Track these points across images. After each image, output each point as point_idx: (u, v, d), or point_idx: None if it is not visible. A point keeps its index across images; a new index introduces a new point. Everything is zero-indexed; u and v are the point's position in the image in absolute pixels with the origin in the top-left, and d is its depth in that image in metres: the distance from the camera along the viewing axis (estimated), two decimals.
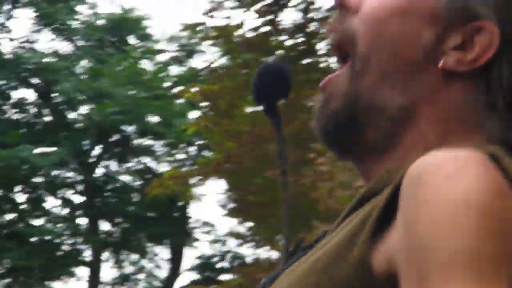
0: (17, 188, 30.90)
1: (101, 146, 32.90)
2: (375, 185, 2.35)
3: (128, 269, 34.15)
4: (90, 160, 32.04)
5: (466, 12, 2.43)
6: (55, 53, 31.30)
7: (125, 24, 33.39)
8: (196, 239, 34.13)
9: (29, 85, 31.57)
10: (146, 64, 32.66)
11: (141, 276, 34.19)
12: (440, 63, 2.41)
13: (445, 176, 2.10)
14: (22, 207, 32.00)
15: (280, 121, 2.57)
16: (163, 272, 33.59)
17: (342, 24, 2.54)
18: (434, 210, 2.07)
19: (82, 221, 32.01)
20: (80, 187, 31.64)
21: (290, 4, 22.23)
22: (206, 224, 33.58)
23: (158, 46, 33.12)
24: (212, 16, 20.91)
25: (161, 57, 32.64)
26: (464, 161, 2.13)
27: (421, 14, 2.49)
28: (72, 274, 32.31)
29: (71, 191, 31.99)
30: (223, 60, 25.07)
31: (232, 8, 22.08)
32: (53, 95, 30.04)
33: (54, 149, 30.02)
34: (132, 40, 33.89)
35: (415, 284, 2.03)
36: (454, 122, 2.46)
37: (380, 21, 2.51)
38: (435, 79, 2.45)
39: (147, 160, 33.12)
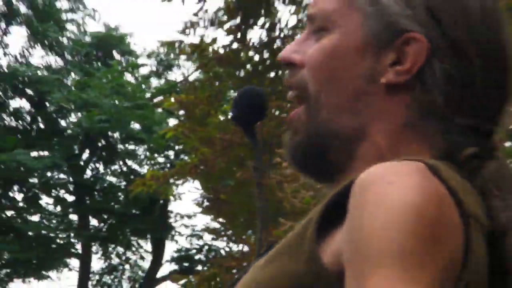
0: (15, 188, 31.18)
1: (89, 150, 33.27)
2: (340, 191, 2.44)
3: (115, 260, 34.42)
4: (80, 163, 32.33)
5: (391, 31, 2.58)
6: (47, 67, 31.72)
7: (110, 41, 33.76)
8: (177, 233, 34.75)
9: (24, 96, 31.76)
10: (128, 77, 33.12)
11: (127, 266, 34.57)
12: (381, 80, 2.58)
13: (386, 183, 2.27)
14: (19, 205, 32.28)
15: (257, 141, 2.87)
16: (146, 263, 34.10)
17: (294, 78, 2.71)
18: (373, 211, 2.23)
19: (73, 218, 32.36)
20: (71, 187, 32.07)
21: (257, 24, 22.73)
22: (184, 217, 34.20)
23: (139, 61, 33.52)
24: (187, 34, 21.43)
25: (142, 71, 33.10)
26: (404, 171, 2.32)
27: (353, 48, 2.63)
28: (65, 265, 32.76)
29: (63, 191, 32.36)
30: (198, 74, 25.54)
31: (205, 27, 22.45)
32: (46, 104, 30.20)
33: (47, 153, 30.52)
34: (116, 55, 34.30)
35: (353, 276, 2.23)
36: (402, 131, 2.60)
37: (321, 66, 2.65)
38: (381, 98, 2.60)
39: (131, 163, 33.46)
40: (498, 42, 2.61)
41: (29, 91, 31.58)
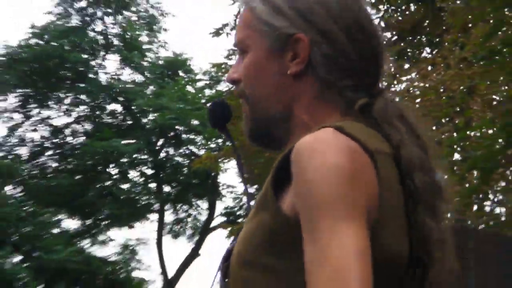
0: (111, 165, 31.80)
1: (163, 139, 33.64)
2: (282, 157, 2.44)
3: (181, 215, 34.60)
4: (156, 148, 32.93)
5: (283, 38, 2.59)
6: (133, 82, 32.10)
7: (176, 63, 33.35)
8: (224, 196, 35.10)
9: (117, 102, 32.24)
10: (189, 88, 33.41)
11: (189, 219, 34.74)
12: (288, 72, 2.59)
13: (317, 146, 2.29)
14: (114, 177, 32.74)
15: (231, 136, 2.78)
16: (203, 217, 34.47)
17: (238, 89, 2.72)
18: (310, 169, 2.26)
19: (152, 186, 32.97)
20: (150, 165, 32.51)
21: None
22: (229, 186, 34.47)
23: (197, 77, 33.57)
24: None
25: (199, 84, 33.26)
26: (321, 138, 2.33)
27: (263, 58, 2.64)
28: (147, 218, 33.05)
29: (145, 167, 32.66)
30: None
31: None
32: (132, 107, 30.88)
33: (134, 141, 31.15)
34: (181, 73, 34.72)
35: (305, 223, 2.27)
36: (315, 104, 2.59)
37: (248, 77, 2.66)
38: (293, 85, 2.60)
39: (192, 148, 33.70)
40: (358, 23, 2.61)
41: (121, 98, 31.87)
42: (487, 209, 13.20)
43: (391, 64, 16.45)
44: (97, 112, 33.24)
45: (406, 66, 15.93)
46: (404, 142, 2.45)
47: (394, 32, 16.30)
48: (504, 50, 11.03)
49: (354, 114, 2.51)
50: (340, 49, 2.53)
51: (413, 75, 15.32)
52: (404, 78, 15.68)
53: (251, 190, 26.65)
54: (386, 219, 2.31)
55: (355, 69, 2.54)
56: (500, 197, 13.32)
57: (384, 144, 2.41)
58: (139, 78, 33.67)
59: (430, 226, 2.41)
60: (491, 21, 11.29)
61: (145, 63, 33.12)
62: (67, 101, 32.70)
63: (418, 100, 14.55)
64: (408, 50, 16.20)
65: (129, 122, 33.02)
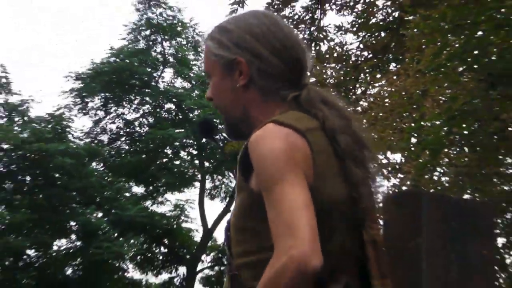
0: (167, 147, 31.96)
1: None
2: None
3: (217, 183, 34.67)
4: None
5: (230, 62, 2.57)
6: (183, 88, 32.34)
7: None
8: None
9: (171, 102, 32.24)
10: None
11: (223, 186, 34.72)
12: (237, 85, 2.57)
13: (261, 138, 2.31)
14: (169, 156, 32.66)
15: (217, 141, 2.93)
16: (232, 184, 34.32)
17: (213, 104, 2.71)
18: (260, 155, 2.30)
19: (196, 162, 32.96)
20: (195, 147, 32.26)
21: None
22: None
23: None
24: None
25: None
26: (266, 129, 2.33)
27: (220, 78, 2.61)
28: (192, 185, 32.83)
29: (191, 149, 32.71)
30: None
31: None
32: (183, 106, 30.95)
33: (183, 130, 31.16)
34: None
35: (263, 193, 2.29)
36: (262, 104, 2.56)
37: (214, 94, 2.65)
38: (244, 94, 2.57)
39: (224, 135, 34.05)
40: (278, 41, 2.59)
41: (174, 100, 31.89)
42: (435, 178, 13.32)
43: (367, 74, 16.30)
44: (157, 110, 33.34)
45: (378, 76, 16.07)
46: (327, 116, 2.43)
47: (369, 51, 16.41)
48: (448, 64, 11.16)
49: (290, 105, 2.50)
50: (268, 62, 2.52)
51: (383, 82, 15.41)
52: (376, 84, 15.81)
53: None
54: (323, 174, 2.31)
55: (283, 73, 2.52)
56: (444, 169, 13.47)
57: (312, 122, 2.40)
58: (187, 85, 33.69)
59: (356, 172, 2.39)
60: (439, 44, 11.41)
61: (191, 74, 33.12)
62: (136, 101, 32.96)
63: (386, 100, 14.63)
64: (379, 64, 16.24)
65: (180, 117, 32.97)
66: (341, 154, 2.40)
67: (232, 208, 2.53)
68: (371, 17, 15.23)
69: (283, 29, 2.58)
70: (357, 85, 16.06)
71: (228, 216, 2.66)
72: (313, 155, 2.33)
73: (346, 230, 2.37)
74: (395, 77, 13.89)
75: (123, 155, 32.34)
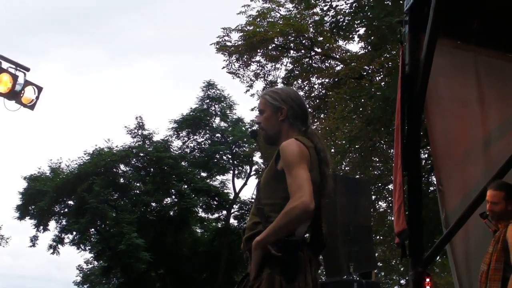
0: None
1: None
2: (278, 148, 2.32)
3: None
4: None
5: (277, 107, 2.40)
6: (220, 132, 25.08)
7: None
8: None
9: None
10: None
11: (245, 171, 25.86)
12: (279, 119, 2.39)
13: (288, 144, 2.24)
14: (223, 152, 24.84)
15: (258, 141, 2.87)
16: None
17: (260, 126, 2.47)
18: (286, 152, 2.23)
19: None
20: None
21: None
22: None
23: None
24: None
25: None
26: (290, 141, 2.26)
27: (270, 114, 2.42)
28: (229, 172, 25.28)
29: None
30: None
31: None
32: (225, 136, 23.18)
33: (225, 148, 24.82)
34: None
35: (286, 170, 2.23)
36: (289, 129, 2.39)
37: (264, 122, 2.45)
38: (282, 123, 2.39)
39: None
40: (299, 100, 2.46)
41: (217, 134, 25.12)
42: (342, 168, 12.67)
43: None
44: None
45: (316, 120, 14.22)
46: (317, 142, 2.41)
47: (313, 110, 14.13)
48: (347, 114, 11.86)
49: (302, 133, 2.42)
50: (296, 112, 2.45)
51: (318, 123, 13.67)
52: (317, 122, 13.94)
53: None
54: (313, 168, 2.32)
55: (300, 117, 2.46)
56: (345, 163, 12.88)
57: (311, 143, 2.38)
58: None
59: (325, 172, 2.41)
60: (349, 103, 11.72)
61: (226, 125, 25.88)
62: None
63: (319, 131, 12.85)
64: (316, 114, 14.24)
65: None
66: (320, 160, 2.39)
67: (262, 177, 2.42)
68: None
69: (300, 96, 2.59)
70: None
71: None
72: (311, 158, 2.31)
73: (317, 197, 2.32)
74: (324, 120, 13.60)
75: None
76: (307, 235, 2.33)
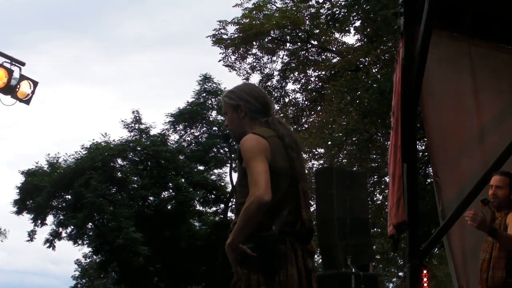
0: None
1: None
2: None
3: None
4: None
5: (236, 105, 2.40)
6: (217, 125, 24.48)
7: None
8: None
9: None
10: None
11: None
12: (240, 117, 2.40)
13: (244, 141, 2.28)
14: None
15: (230, 143, 2.87)
16: None
17: (228, 127, 2.52)
18: (243, 150, 2.26)
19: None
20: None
21: None
22: None
23: None
24: None
25: None
26: (247, 137, 2.29)
27: (231, 114, 2.44)
28: (226, 166, 24.59)
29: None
30: None
31: None
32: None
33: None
34: None
35: (245, 166, 2.25)
36: (250, 125, 2.39)
37: (230, 123, 2.48)
38: (243, 120, 2.40)
39: None
40: (258, 94, 2.45)
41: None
42: (340, 160, 12.84)
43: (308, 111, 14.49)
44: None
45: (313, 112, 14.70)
46: (280, 130, 2.42)
47: (310, 102, 14.40)
48: (344, 106, 11.73)
49: (263, 125, 2.44)
50: (253, 105, 2.46)
51: (315, 116, 14.33)
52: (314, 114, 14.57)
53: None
54: (275, 156, 2.34)
55: (259, 109, 2.47)
56: (342, 155, 12.92)
57: (272, 132, 2.41)
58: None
59: (292, 156, 2.40)
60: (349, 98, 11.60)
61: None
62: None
63: (316, 124, 13.87)
64: (312, 106, 14.48)
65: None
66: (285, 146, 2.40)
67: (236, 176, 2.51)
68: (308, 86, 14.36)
69: (256, 89, 2.59)
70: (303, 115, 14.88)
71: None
72: (271, 147, 2.33)
73: (289, 183, 2.35)
74: (320, 113, 13.94)
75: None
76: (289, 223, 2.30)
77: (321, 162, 13.68)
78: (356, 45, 12.51)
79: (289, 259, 2.27)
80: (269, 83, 13.99)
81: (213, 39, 13.85)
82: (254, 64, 14.27)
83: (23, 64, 6.27)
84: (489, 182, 3.61)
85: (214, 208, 24.54)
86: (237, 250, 2.23)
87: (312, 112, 13.89)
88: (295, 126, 13.22)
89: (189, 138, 24.36)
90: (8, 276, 50.82)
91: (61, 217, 22.57)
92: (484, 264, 3.48)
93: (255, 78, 14.67)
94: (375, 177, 12.79)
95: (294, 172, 2.40)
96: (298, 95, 14.07)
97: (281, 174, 2.31)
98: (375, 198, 13.38)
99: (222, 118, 23.81)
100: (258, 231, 2.20)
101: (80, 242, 22.73)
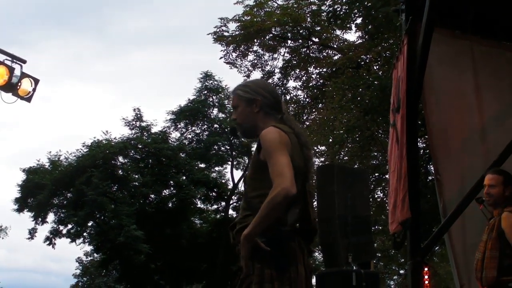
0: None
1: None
2: (258, 138, 2.31)
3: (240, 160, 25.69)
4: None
5: (250, 99, 2.39)
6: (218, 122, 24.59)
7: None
8: None
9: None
10: None
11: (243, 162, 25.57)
12: (254, 110, 2.38)
13: (266, 132, 2.24)
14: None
15: (238, 137, 2.88)
16: None
17: (236, 121, 2.49)
18: (266, 139, 2.22)
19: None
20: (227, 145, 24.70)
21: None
22: None
23: None
24: None
25: None
26: (269, 129, 2.26)
27: (244, 106, 2.41)
28: (228, 163, 24.94)
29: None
30: None
31: None
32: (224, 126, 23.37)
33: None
34: None
35: (267, 158, 2.22)
36: (264, 120, 2.38)
37: (239, 116, 2.45)
38: (257, 114, 2.38)
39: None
40: (272, 91, 2.47)
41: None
42: (341, 157, 12.76)
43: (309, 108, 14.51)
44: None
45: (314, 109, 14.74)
46: (296, 127, 2.43)
47: (311, 99, 14.43)
48: (345, 104, 11.73)
49: (278, 121, 2.44)
50: (269, 100, 2.46)
51: (316, 113, 14.37)
52: (315, 111, 14.55)
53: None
54: (293, 153, 2.32)
55: (274, 105, 2.47)
56: (343, 152, 12.90)
57: (290, 129, 2.40)
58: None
59: (307, 154, 2.41)
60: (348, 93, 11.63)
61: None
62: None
63: (317, 121, 13.93)
64: (313, 103, 14.53)
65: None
66: (301, 144, 2.40)
67: (247, 170, 2.52)
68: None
69: (270, 85, 2.75)
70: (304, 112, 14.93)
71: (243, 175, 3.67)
72: (291, 144, 2.32)
73: (301, 181, 2.36)
74: (322, 110, 13.83)
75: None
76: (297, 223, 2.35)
77: (322, 159, 13.72)
78: (357, 42, 12.55)
79: (298, 257, 2.28)
80: (270, 81, 14.02)
81: (214, 36, 13.92)
82: (255, 61, 14.37)
83: (24, 61, 6.29)
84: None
85: (215, 206, 24.72)
86: (253, 243, 2.20)
87: (313, 110, 13.91)
88: None
89: (190, 136, 24.30)
90: (9, 274, 54.17)
91: (62, 215, 22.52)
92: (478, 264, 3.50)
93: (256, 76, 14.74)
94: (376, 174, 12.67)
95: (307, 171, 2.41)
96: (299, 92, 14.28)
97: (297, 172, 2.29)
98: (376, 196, 13.12)
99: (223, 115, 24.31)
100: (275, 225, 2.18)
101: (81, 239, 22.69)
